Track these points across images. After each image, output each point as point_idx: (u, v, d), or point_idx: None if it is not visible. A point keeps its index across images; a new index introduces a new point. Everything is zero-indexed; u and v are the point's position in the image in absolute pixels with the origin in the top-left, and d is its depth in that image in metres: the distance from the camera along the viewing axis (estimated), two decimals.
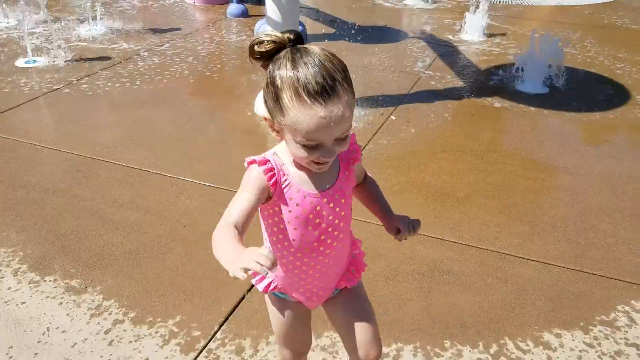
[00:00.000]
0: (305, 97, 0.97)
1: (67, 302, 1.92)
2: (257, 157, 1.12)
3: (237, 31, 4.91)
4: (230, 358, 1.72)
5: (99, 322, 1.84)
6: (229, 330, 1.83)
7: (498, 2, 5.94)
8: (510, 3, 5.90)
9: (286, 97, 0.98)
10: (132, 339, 1.78)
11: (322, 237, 1.17)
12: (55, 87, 3.65)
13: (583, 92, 3.75)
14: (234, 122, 3.29)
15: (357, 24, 5.05)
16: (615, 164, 2.87)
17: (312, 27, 4.94)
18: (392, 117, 3.34)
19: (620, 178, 2.73)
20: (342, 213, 1.17)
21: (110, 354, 1.73)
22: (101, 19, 5.00)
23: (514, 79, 3.84)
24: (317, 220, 1.14)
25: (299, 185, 1.12)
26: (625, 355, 1.76)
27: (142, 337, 1.79)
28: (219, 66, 4.13)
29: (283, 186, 1.11)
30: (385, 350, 1.71)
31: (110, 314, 1.87)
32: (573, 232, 2.33)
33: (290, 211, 1.13)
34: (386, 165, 2.86)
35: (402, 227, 1.28)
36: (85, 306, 1.90)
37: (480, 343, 1.79)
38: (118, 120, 3.27)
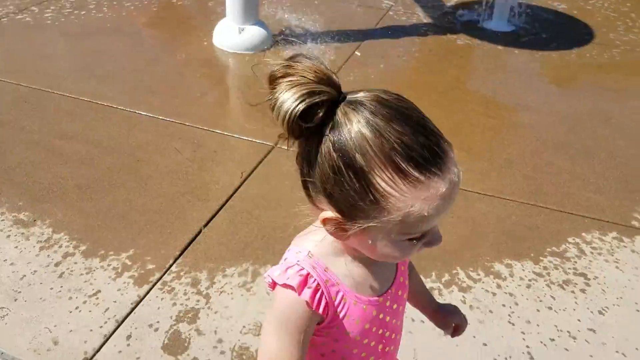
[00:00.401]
0: (416, 172, 0.65)
1: (16, 235, 1.86)
2: (291, 274, 0.74)
3: None
4: (185, 290, 1.71)
5: (48, 255, 1.79)
6: (184, 263, 1.81)
7: None
8: None
9: (382, 180, 0.64)
10: (83, 271, 1.75)
11: (386, 348, 0.84)
12: (2, 16, 3.42)
13: (550, 30, 3.72)
14: (191, 53, 3.16)
15: None
16: (576, 102, 2.89)
17: None
18: (357, 53, 3.27)
19: (580, 116, 2.76)
20: (401, 309, 0.86)
21: (61, 286, 1.69)
22: None
23: (480, 16, 3.79)
24: (381, 332, 0.82)
25: (354, 292, 0.77)
26: (573, 284, 1.81)
27: (94, 270, 1.75)
28: None
29: (336, 304, 0.76)
30: None
31: (60, 247, 1.83)
32: (530, 168, 2.35)
33: (348, 333, 0.78)
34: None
35: (459, 321, 1.03)
36: (34, 239, 1.85)
37: (433, 273, 1.82)
38: (69, 50, 3.11)
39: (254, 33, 3.19)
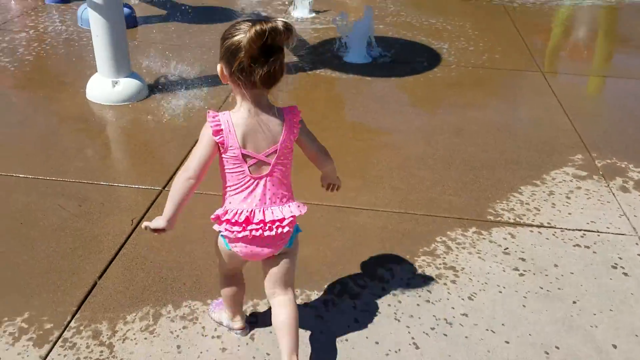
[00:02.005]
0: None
1: None
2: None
3: (58, 18, 4.61)
4: (87, 344, 1.73)
5: None
6: (83, 317, 1.82)
7: None
8: None
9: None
10: None
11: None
12: None
13: (401, 58, 4.15)
14: (64, 112, 3.14)
15: (188, 5, 5.01)
16: (430, 119, 3.26)
17: (143, 9, 4.81)
18: (233, 94, 3.42)
19: (434, 130, 3.12)
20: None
21: None
22: None
23: (341, 51, 4.13)
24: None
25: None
26: (445, 277, 2.07)
27: None
28: (41, 55, 3.88)
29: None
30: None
31: None
32: (397, 180, 2.64)
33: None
34: None
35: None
36: None
37: (325, 285, 2.00)
38: None
39: (129, 85, 3.25)
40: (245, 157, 1.45)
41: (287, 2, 5.17)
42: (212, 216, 1.52)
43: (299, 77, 3.74)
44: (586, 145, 3.00)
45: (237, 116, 1.43)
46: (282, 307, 1.57)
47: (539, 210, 2.46)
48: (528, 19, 5.14)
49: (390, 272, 2.08)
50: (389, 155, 2.86)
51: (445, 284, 2.03)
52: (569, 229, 2.35)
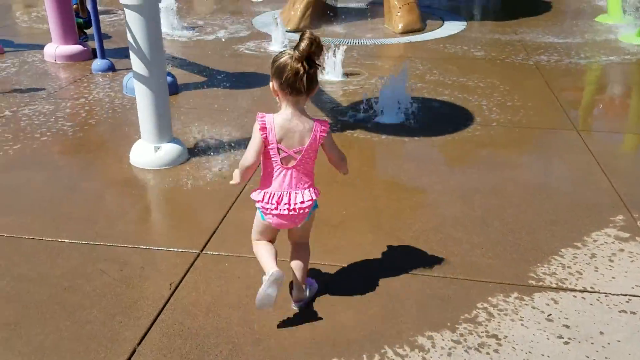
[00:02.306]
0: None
1: None
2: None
3: (104, 86, 4.86)
4: None
5: None
6: None
7: (354, 43, 6.44)
8: (365, 44, 6.42)
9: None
10: None
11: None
12: None
13: (433, 117, 4.19)
14: (109, 177, 3.26)
15: (226, 71, 5.22)
16: (465, 179, 3.25)
17: (183, 77, 5.03)
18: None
19: (469, 191, 3.11)
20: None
21: None
22: None
23: (373, 112, 4.21)
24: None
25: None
26: (487, 346, 2.01)
27: None
28: (89, 122, 4.07)
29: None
30: None
31: None
32: (434, 242, 2.62)
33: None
34: None
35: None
36: None
37: (364, 355, 1.96)
38: None
39: (170, 150, 3.37)
40: (279, 150, 1.96)
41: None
42: (253, 195, 2.05)
43: (334, 137, 3.79)
44: (626, 205, 2.94)
45: (279, 118, 1.96)
46: (296, 252, 2.19)
47: (581, 274, 2.40)
48: (559, 77, 5.16)
49: (430, 341, 2.03)
50: (425, 216, 2.85)
51: (488, 353, 1.98)
52: (614, 294, 2.27)
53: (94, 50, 5.37)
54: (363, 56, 5.83)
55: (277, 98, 1.98)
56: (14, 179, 3.22)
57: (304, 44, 1.82)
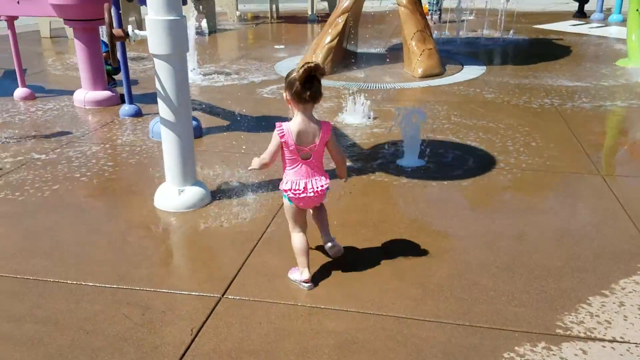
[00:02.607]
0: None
1: None
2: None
3: (131, 130, 4.98)
4: None
5: None
6: None
7: (374, 87, 6.53)
8: (384, 88, 6.51)
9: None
10: None
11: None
12: None
13: (455, 161, 4.19)
14: (133, 219, 3.31)
15: (249, 115, 5.32)
16: (489, 223, 3.22)
17: (208, 121, 5.13)
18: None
19: (494, 235, 3.07)
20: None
21: None
22: None
23: (394, 156, 4.23)
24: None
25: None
26: None
27: None
28: (115, 165, 4.16)
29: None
30: None
31: None
32: (459, 289, 2.57)
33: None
34: (288, 245, 2.99)
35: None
36: None
37: None
38: (10, 231, 3.17)
39: (193, 193, 3.42)
40: (298, 149, 2.50)
41: (337, 108, 5.40)
42: (281, 187, 2.59)
43: (354, 181, 3.82)
44: None
45: (294, 124, 2.50)
46: (317, 212, 2.75)
47: (610, 324, 2.33)
48: (581, 120, 5.14)
49: None
50: (450, 262, 2.81)
51: None
52: None
53: (122, 95, 5.53)
54: (383, 100, 5.91)
55: (289, 106, 2.52)
56: (40, 221, 3.28)
57: (303, 69, 2.37)
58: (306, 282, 2.57)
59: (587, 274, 2.69)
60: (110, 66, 6.05)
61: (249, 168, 2.65)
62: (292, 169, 2.55)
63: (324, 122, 2.57)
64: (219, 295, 2.55)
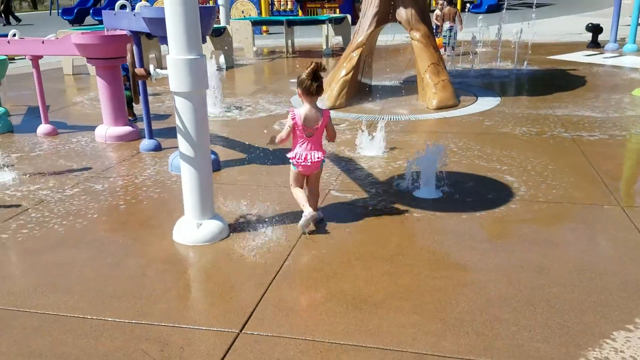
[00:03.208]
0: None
1: None
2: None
3: (151, 165, 5.06)
4: None
5: None
6: None
7: (389, 118, 6.59)
8: (399, 119, 6.56)
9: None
10: None
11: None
12: None
13: (472, 193, 4.19)
14: (152, 254, 3.34)
15: (265, 148, 5.39)
16: (508, 256, 3.19)
17: (226, 154, 5.21)
18: (306, 231, 3.54)
19: (514, 269, 3.04)
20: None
21: None
22: (8, 165, 4.99)
23: (410, 187, 4.23)
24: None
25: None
26: None
27: None
28: (135, 199, 4.22)
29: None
30: None
31: None
32: (480, 324, 2.54)
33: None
34: (306, 278, 3.00)
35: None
36: None
37: None
38: (31, 266, 3.22)
39: (212, 226, 3.45)
40: (304, 128, 3.40)
41: (353, 140, 5.44)
42: (288, 155, 3.52)
43: (371, 213, 3.83)
44: None
45: (302, 110, 3.41)
46: (310, 194, 3.65)
47: (636, 359, 2.27)
48: (598, 151, 5.11)
49: None
50: (469, 296, 2.78)
51: None
52: None
53: (142, 129, 5.64)
54: (399, 131, 5.94)
55: (300, 99, 3.42)
56: (60, 256, 3.32)
57: (310, 68, 3.30)
58: (309, 213, 3.44)
59: (610, 308, 2.64)
60: (129, 91, 6.15)
61: (267, 144, 3.52)
62: (299, 144, 3.46)
63: (325, 109, 3.49)
64: (237, 331, 2.55)
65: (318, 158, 3.47)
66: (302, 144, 3.44)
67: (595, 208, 3.86)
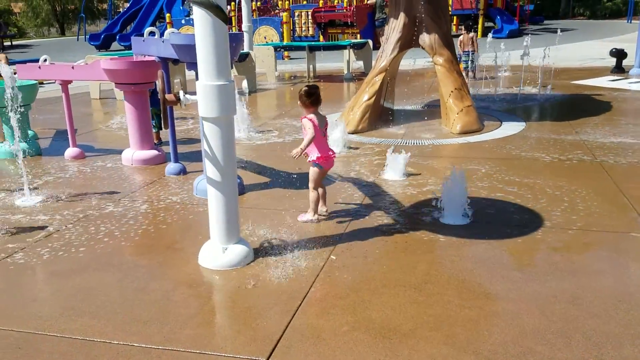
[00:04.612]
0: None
1: None
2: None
3: (176, 188, 5.09)
4: None
5: None
6: None
7: (412, 143, 6.56)
8: (423, 144, 6.53)
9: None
10: None
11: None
12: None
13: (500, 219, 4.12)
14: (178, 278, 3.33)
15: (288, 171, 5.40)
16: (540, 286, 3.11)
17: (250, 178, 5.22)
18: (333, 257, 3.51)
19: (547, 299, 2.96)
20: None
21: None
22: (36, 188, 5.07)
23: (436, 213, 4.18)
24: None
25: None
26: None
27: None
28: (161, 223, 4.23)
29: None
30: None
31: None
32: (513, 356, 2.46)
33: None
34: (332, 305, 2.96)
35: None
36: None
37: None
38: (58, 290, 3.23)
39: (237, 251, 3.44)
40: (320, 129, 3.91)
41: (378, 165, 5.41)
42: (312, 159, 3.96)
43: (397, 239, 3.78)
44: None
45: (312, 116, 3.90)
46: (323, 191, 4.17)
47: None
48: (628, 177, 5.01)
49: None
50: (502, 327, 2.71)
51: None
52: None
53: (168, 154, 5.70)
54: (422, 156, 5.91)
55: (305, 110, 3.95)
56: (86, 280, 3.33)
57: (304, 89, 3.94)
58: (316, 218, 4.10)
59: None
60: (156, 107, 6.23)
61: (294, 156, 3.85)
62: (319, 146, 3.94)
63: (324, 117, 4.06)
64: (264, 359, 2.51)
65: (333, 153, 4.06)
66: (322, 143, 3.97)
67: (627, 236, 3.77)
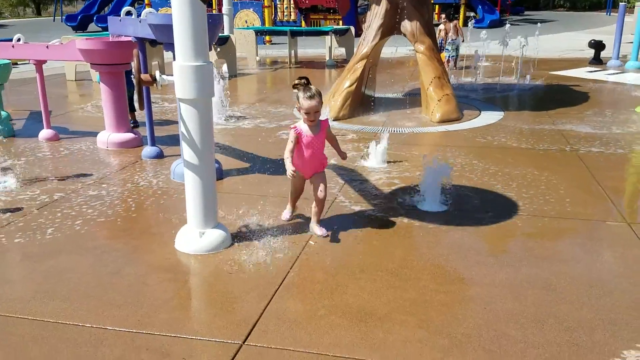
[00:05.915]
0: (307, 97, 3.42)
1: None
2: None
3: (152, 172, 5.02)
4: None
5: None
6: None
7: (393, 131, 6.57)
8: (403, 132, 6.54)
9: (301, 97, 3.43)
10: None
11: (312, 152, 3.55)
12: None
13: (476, 206, 4.15)
14: (153, 262, 3.29)
15: (268, 157, 5.36)
16: (514, 271, 3.15)
17: (228, 163, 5.17)
18: (311, 242, 3.50)
19: (521, 284, 3.00)
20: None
21: None
22: (10, 169, 4.96)
23: (415, 200, 4.20)
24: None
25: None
26: None
27: None
28: (135, 207, 4.17)
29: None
30: None
31: None
32: (487, 340, 2.49)
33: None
34: (310, 289, 2.95)
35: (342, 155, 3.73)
36: None
37: None
38: (30, 272, 3.17)
39: (214, 235, 3.41)
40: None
41: (357, 152, 5.41)
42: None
43: (375, 224, 3.79)
44: None
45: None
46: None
47: None
48: (603, 167, 5.09)
49: None
50: (476, 311, 2.73)
51: None
52: None
53: (145, 137, 5.61)
54: (402, 144, 5.92)
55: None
56: (59, 263, 3.27)
57: (299, 81, 3.52)
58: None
59: (620, 327, 2.60)
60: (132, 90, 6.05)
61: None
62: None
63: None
64: (240, 342, 2.50)
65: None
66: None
67: (601, 224, 3.83)
